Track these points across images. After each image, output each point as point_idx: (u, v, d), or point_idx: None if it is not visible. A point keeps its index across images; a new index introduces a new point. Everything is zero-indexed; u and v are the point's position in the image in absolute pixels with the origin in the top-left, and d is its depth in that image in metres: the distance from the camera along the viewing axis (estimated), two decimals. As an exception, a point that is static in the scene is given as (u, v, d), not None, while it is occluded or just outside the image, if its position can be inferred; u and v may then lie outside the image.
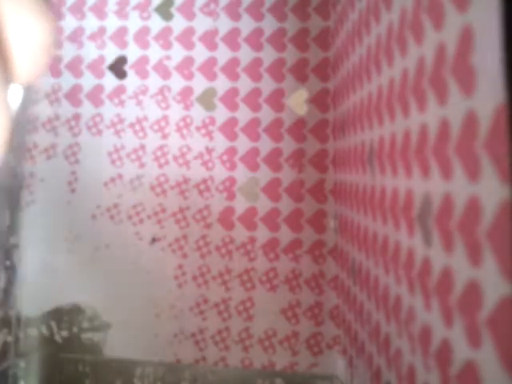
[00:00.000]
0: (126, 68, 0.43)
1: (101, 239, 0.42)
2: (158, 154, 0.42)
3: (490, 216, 0.13)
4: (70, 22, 0.44)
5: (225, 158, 0.42)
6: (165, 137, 0.42)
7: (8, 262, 0.42)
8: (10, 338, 0.41)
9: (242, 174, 0.41)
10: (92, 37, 0.44)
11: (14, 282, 0.42)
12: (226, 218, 0.42)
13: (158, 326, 0.41)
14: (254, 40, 0.42)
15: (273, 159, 0.41)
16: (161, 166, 0.42)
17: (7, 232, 0.42)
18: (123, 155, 0.43)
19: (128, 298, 0.42)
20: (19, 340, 0.42)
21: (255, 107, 0.42)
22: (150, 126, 0.43)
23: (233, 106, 0.42)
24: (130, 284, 0.42)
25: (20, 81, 0.14)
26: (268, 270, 0.41)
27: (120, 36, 0.44)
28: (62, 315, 0.42)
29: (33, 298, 0.43)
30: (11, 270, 0.42)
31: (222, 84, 0.42)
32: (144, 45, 0.43)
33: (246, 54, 0.42)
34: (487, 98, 0.13)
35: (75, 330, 0.42)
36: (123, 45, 0.44)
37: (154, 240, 0.42)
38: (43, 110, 0.44)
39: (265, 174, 0.41)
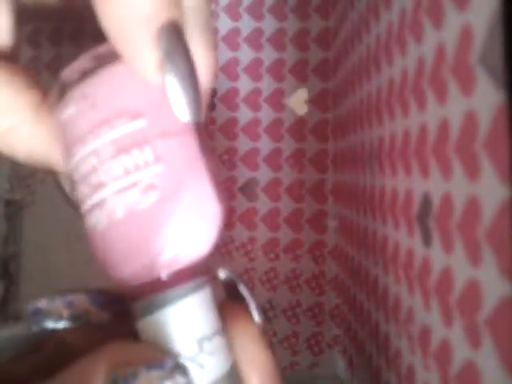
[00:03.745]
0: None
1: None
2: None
3: (490, 216, 0.13)
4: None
5: (225, 157, 0.42)
6: (165, 137, 0.42)
7: (5, 273, 0.42)
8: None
9: (241, 173, 0.41)
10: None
11: (13, 293, 0.42)
12: (225, 218, 0.42)
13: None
14: (254, 40, 0.42)
15: (273, 159, 0.41)
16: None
17: (4, 242, 0.42)
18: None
19: (128, 298, 0.42)
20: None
21: (255, 107, 0.42)
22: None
23: (233, 106, 0.42)
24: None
25: None
26: (268, 270, 0.41)
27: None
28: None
29: (32, 297, 0.43)
30: (9, 280, 0.42)
31: (222, 84, 0.42)
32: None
33: (246, 54, 0.42)
34: (487, 98, 0.13)
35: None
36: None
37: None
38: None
39: (265, 174, 0.41)
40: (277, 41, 0.42)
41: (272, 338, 0.40)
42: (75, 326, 0.17)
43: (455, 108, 0.16)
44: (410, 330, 0.20)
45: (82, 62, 0.16)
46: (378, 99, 0.25)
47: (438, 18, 0.17)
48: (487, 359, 0.14)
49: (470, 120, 0.15)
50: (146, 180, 0.14)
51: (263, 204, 0.41)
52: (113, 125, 0.14)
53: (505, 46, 0.12)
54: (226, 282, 0.18)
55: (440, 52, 0.17)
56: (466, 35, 0.15)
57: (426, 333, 0.18)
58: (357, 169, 0.31)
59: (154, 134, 0.15)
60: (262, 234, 0.41)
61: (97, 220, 0.15)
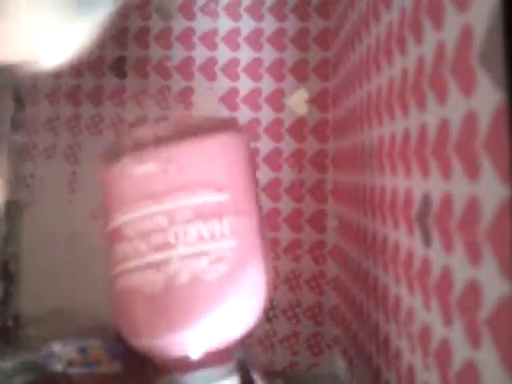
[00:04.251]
0: (126, 68, 0.43)
1: (101, 239, 0.42)
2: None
3: (490, 216, 0.13)
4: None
5: (225, 157, 0.42)
6: (165, 137, 0.42)
7: (5, 273, 0.41)
8: (8, 349, 0.41)
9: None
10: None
11: (12, 293, 0.42)
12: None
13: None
14: (254, 40, 0.42)
15: (273, 159, 0.41)
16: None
17: (4, 242, 0.42)
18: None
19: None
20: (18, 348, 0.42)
21: (255, 107, 0.42)
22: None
23: (233, 106, 0.42)
24: (130, 284, 0.42)
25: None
26: (268, 270, 0.41)
27: (120, 36, 0.44)
28: (62, 315, 0.42)
29: (32, 298, 0.43)
30: (9, 280, 0.42)
31: (221, 84, 0.42)
32: (144, 45, 0.43)
33: (246, 54, 0.42)
34: (487, 98, 0.13)
35: (75, 330, 0.42)
36: (123, 45, 0.44)
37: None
38: (43, 108, 0.44)
39: (265, 174, 0.41)
40: (277, 41, 0.42)
41: (272, 338, 0.40)
42: (85, 373, 0.17)
43: (455, 108, 0.16)
44: (410, 330, 0.20)
45: (162, 127, 0.16)
46: (378, 99, 0.25)
47: (438, 18, 0.17)
48: (487, 359, 0.14)
49: (469, 120, 0.15)
50: (218, 251, 0.15)
51: (263, 204, 0.41)
52: (196, 192, 0.15)
53: (505, 46, 0.12)
54: (240, 364, 0.18)
55: (440, 52, 0.17)
56: (466, 35, 0.15)
57: (425, 333, 0.18)
58: (357, 169, 0.31)
59: (232, 209, 0.15)
60: (262, 234, 0.41)
61: (148, 280, 0.15)
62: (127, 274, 0.15)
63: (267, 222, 0.41)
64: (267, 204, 0.41)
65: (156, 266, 0.15)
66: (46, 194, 0.43)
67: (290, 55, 0.42)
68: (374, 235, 0.26)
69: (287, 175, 0.41)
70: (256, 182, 0.18)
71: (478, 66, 0.14)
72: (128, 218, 0.16)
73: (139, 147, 0.16)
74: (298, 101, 0.42)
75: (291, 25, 0.42)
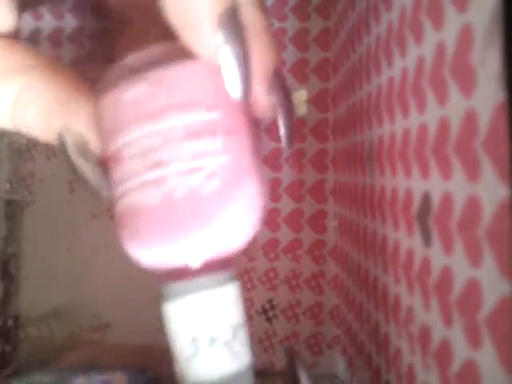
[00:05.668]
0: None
1: (101, 239, 0.42)
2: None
3: (490, 215, 0.13)
4: (48, 22, 0.44)
5: (225, 157, 0.41)
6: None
7: (5, 273, 0.41)
8: (8, 348, 0.41)
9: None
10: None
11: (13, 293, 0.42)
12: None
13: (159, 327, 0.41)
14: (254, 40, 0.42)
15: (273, 159, 0.41)
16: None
17: (4, 242, 0.42)
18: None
19: (128, 299, 0.42)
20: (18, 348, 0.42)
21: (255, 107, 0.42)
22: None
23: (233, 106, 0.42)
24: (131, 284, 0.42)
25: None
26: (268, 270, 0.41)
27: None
28: (62, 315, 0.42)
29: (32, 298, 0.43)
30: (9, 280, 0.42)
31: (221, 84, 0.42)
32: (144, 45, 0.43)
33: (245, 54, 0.42)
34: (487, 98, 0.13)
35: (75, 330, 0.42)
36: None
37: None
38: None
39: (265, 174, 0.41)
40: (277, 41, 0.42)
41: (272, 338, 0.40)
42: None
43: (455, 108, 0.16)
44: (410, 330, 0.20)
45: (152, 51, 0.17)
46: (378, 99, 0.25)
47: (438, 18, 0.17)
48: (487, 359, 0.14)
49: (469, 120, 0.15)
50: (211, 167, 0.15)
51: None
52: (189, 110, 0.15)
53: (505, 46, 0.12)
54: None
55: (440, 52, 0.17)
56: (466, 35, 0.15)
57: (425, 333, 0.18)
58: (356, 169, 0.31)
59: (225, 127, 0.16)
60: (262, 233, 0.41)
61: (147, 196, 0.16)
62: (127, 195, 0.16)
63: (268, 221, 0.41)
64: (267, 204, 0.41)
65: (153, 183, 0.15)
66: (46, 193, 0.43)
67: (290, 55, 0.42)
68: (374, 235, 0.26)
69: (287, 175, 0.41)
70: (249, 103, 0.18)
71: (478, 66, 0.14)
72: (124, 140, 0.16)
73: (131, 72, 0.16)
74: (297, 101, 0.42)
75: (291, 25, 0.42)
